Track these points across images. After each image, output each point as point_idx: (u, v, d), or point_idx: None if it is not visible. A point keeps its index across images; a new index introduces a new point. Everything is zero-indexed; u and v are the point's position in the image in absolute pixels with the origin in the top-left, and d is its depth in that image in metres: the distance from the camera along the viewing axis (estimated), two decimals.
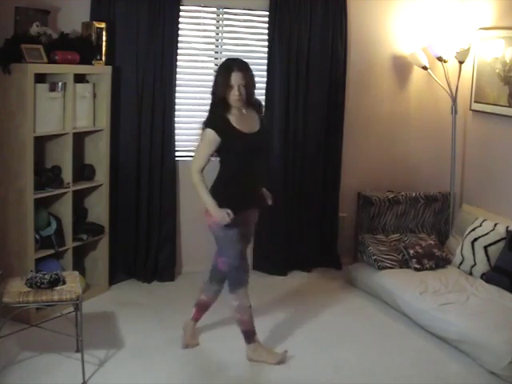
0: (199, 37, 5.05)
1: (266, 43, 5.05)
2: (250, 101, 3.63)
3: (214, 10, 5.01)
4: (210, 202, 3.58)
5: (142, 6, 4.65)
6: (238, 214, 3.57)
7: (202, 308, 3.99)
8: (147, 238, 4.98)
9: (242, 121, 3.59)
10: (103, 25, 4.43)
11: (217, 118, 3.56)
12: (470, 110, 5.35)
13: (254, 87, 3.65)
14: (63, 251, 4.39)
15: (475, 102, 5.26)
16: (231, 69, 3.51)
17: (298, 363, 3.77)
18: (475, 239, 4.74)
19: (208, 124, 3.55)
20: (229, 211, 3.52)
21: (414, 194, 5.40)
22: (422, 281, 4.54)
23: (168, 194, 4.99)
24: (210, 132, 3.53)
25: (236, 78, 3.49)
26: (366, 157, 5.51)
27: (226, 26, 5.08)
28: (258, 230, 5.25)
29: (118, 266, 4.91)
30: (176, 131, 4.97)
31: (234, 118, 3.57)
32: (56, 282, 3.47)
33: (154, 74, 4.76)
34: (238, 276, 3.69)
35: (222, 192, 3.64)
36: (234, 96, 3.51)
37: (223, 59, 5.05)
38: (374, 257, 4.85)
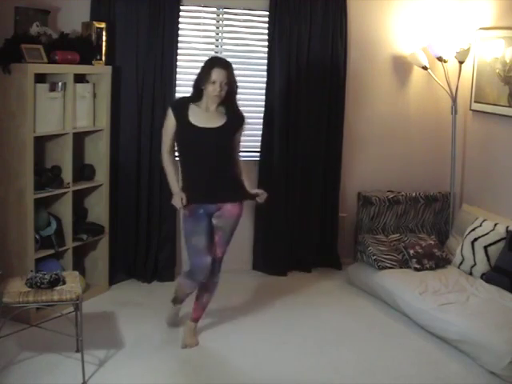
0: (199, 37, 5.04)
1: (266, 43, 5.04)
2: (226, 100, 3.72)
3: (214, 10, 5.01)
4: (171, 184, 3.78)
5: (142, 6, 4.65)
6: (198, 205, 3.72)
7: (200, 307, 4.00)
8: (147, 238, 4.98)
9: (201, 115, 3.70)
10: (103, 25, 4.43)
11: (182, 102, 3.77)
12: (470, 109, 5.35)
13: (233, 88, 3.73)
14: (63, 251, 4.38)
15: (475, 101, 5.26)
16: (214, 65, 3.64)
17: (298, 363, 3.77)
18: (475, 239, 4.74)
19: (171, 103, 3.86)
20: (183, 196, 3.68)
21: (413, 194, 5.40)
22: (422, 281, 4.54)
23: (168, 194, 4.93)
24: (169, 111, 3.74)
25: (219, 75, 3.60)
26: (366, 157, 5.51)
27: (226, 25, 5.07)
28: (258, 230, 5.31)
29: (118, 266, 4.91)
30: None
31: (194, 111, 3.71)
32: (56, 281, 3.47)
33: (154, 74, 4.76)
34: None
35: (182, 179, 3.81)
36: (213, 91, 3.63)
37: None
38: (374, 257, 4.85)
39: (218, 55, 3.85)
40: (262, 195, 3.95)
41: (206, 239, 3.77)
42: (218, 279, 3.94)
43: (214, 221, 3.83)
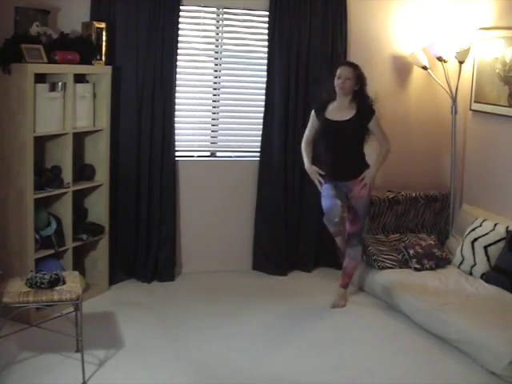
0: (199, 37, 5.05)
1: (266, 43, 5.05)
2: (355, 94, 4.34)
3: (214, 10, 5.01)
4: (305, 162, 4.55)
5: (142, 6, 4.65)
6: (331, 183, 4.41)
7: (344, 274, 4.68)
8: (147, 238, 4.98)
9: (336, 111, 4.38)
10: (103, 25, 4.43)
11: (321, 103, 4.46)
12: (470, 109, 5.35)
13: (359, 84, 4.34)
14: (63, 251, 4.39)
15: (475, 101, 5.26)
16: (340, 64, 4.45)
17: (298, 363, 3.77)
18: (475, 239, 4.74)
19: (314, 107, 4.53)
20: (320, 172, 4.47)
21: (413, 194, 5.40)
22: (422, 281, 4.55)
23: (168, 194, 4.99)
24: (312, 112, 4.51)
25: (343, 71, 4.30)
26: (365, 157, 5.49)
27: (226, 25, 5.07)
28: (258, 230, 5.31)
29: (118, 266, 4.91)
30: (176, 131, 4.97)
31: (330, 108, 4.41)
32: (56, 281, 3.47)
33: (154, 74, 4.76)
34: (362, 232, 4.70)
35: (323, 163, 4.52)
36: (337, 85, 4.31)
37: (223, 59, 5.12)
38: (374, 257, 4.85)
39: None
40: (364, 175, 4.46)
41: (336, 192, 4.33)
42: (356, 253, 4.62)
43: (348, 202, 4.46)
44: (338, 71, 4.31)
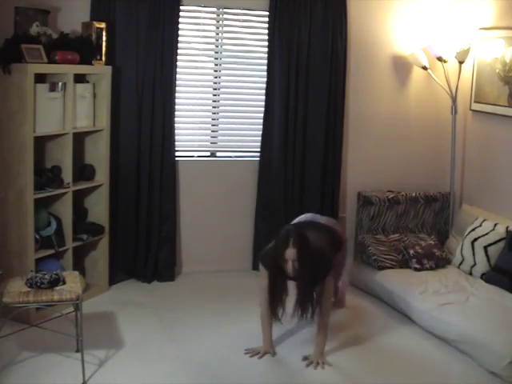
0: (199, 37, 5.05)
1: (266, 43, 5.04)
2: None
3: (214, 10, 5.01)
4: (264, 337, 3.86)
5: (142, 6, 4.65)
6: None
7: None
8: (147, 238, 4.98)
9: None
10: (103, 25, 4.43)
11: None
12: (470, 110, 5.35)
13: (311, 267, 3.61)
14: (63, 251, 4.38)
15: (475, 102, 5.26)
16: (287, 243, 3.55)
17: (298, 363, 3.77)
18: (475, 239, 4.74)
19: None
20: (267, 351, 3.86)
21: (413, 194, 5.40)
22: (422, 281, 4.54)
23: (168, 193, 4.99)
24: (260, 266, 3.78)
25: (289, 254, 3.53)
26: (365, 157, 5.50)
27: (226, 26, 5.07)
28: (258, 230, 5.31)
29: (118, 266, 4.91)
30: (176, 131, 4.97)
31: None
32: (56, 281, 3.47)
33: (154, 74, 4.76)
34: None
35: None
36: (288, 269, 3.58)
37: (223, 59, 5.11)
38: (374, 257, 4.85)
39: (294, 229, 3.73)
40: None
41: None
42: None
43: None
44: (286, 253, 3.52)
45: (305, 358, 3.80)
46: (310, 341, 3.94)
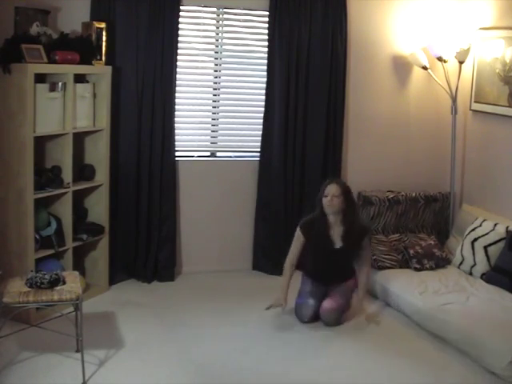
0: (199, 37, 5.05)
1: (266, 43, 5.04)
2: (345, 212, 4.26)
3: (214, 10, 5.01)
4: (281, 290, 4.36)
5: (142, 6, 4.64)
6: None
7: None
8: (147, 238, 4.98)
9: (325, 230, 4.28)
10: (103, 25, 4.43)
11: (307, 221, 4.36)
12: (470, 110, 5.35)
13: (348, 201, 4.26)
14: (63, 251, 4.38)
15: (475, 102, 5.26)
16: (327, 182, 4.31)
17: (298, 363, 3.77)
18: (475, 239, 4.74)
19: (300, 224, 4.39)
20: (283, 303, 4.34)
21: (413, 194, 5.40)
22: (422, 281, 4.55)
23: (168, 193, 4.99)
24: (298, 230, 4.37)
25: (329, 189, 4.23)
26: (365, 157, 5.51)
27: (226, 26, 5.07)
28: (258, 230, 5.31)
29: (118, 266, 4.91)
30: (176, 131, 4.97)
31: (319, 227, 4.29)
32: (56, 281, 3.47)
33: (154, 73, 4.76)
34: None
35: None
36: (325, 202, 4.24)
37: (223, 59, 5.12)
38: (374, 257, 4.85)
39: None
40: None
41: (312, 289, 4.33)
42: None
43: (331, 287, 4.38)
44: (326, 190, 4.25)
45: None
46: (311, 348, 3.94)
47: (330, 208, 4.23)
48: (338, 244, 4.28)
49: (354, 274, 4.45)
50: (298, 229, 4.36)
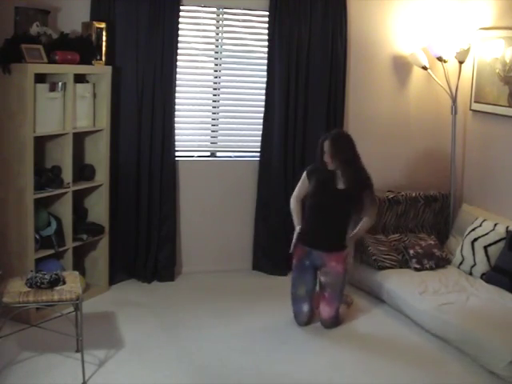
0: (199, 37, 5.05)
1: (266, 43, 5.04)
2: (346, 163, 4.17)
3: (214, 10, 5.01)
4: (295, 224, 4.38)
5: (142, 6, 4.64)
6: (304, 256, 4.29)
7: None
8: (147, 238, 4.98)
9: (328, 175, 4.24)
10: (103, 25, 4.43)
11: (312, 166, 4.39)
12: (470, 110, 5.35)
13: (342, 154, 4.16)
14: (63, 251, 4.38)
15: (475, 102, 5.26)
16: (325, 137, 4.21)
17: (298, 363, 3.77)
18: (475, 239, 4.74)
19: (306, 168, 4.44)
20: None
21: (413, 194, 5.40)
22: (422, 281, 4.55)
23: (168, 193, 4.99)
24: (304, 174, 4.42)
25: (327, 147, 4.15)
26: (365, 157, 5.46)
27: (226, 26, 5.07)
28: (258, 230, 5.31)
29: (118, 266, 4.91)
30: (176, 131, 4.97)
31: (323, 172, 4.25)
32: (56, 281, 3.47)
33: (154, 73, 4.76)
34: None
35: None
36: (325, 159, 4.18)
37: (223, 59, 5.12)
38: (374, 257, 4.85)
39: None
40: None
41: (307, 290, 4.27)
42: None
43: (322, 278, 4.28)
44: (324, 146, 4.16)
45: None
46: (312, 345, 3.95)
47: (330, 165, 4.18)
48: (341, 186, 4.21)
49: (344, 245, 4.26)
50: (304, 174, 4.39)
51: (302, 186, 4.42)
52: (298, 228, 4.31)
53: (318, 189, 4.26)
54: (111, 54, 4.58)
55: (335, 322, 4.28)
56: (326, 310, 4.24)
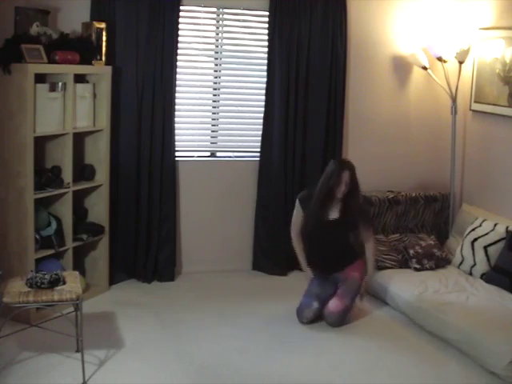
0: (199, 37, 5.05)
1: (266, 43, 5.04)
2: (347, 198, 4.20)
3: (214, 10, 5.01)
4: (301, 263, 4.50)
5: (142, 6, 4.65)
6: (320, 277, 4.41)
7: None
8: (147, 238, 4.98)
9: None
10: (103, 25, 4.43)
11: (305, 193, 4.35)
12: (470, 110, 5.35)
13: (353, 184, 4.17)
14: (63, 251, 4.39)
15: (475, 102, 5.26)
16: (339, 167, 4.18)
17: (298, 363, 3.77)
18: (475, 239, 4.74)
19: (299, 196, 4.39)
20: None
21: (413, 194, 5.40)
22: (422, 281, 4.54)
23: (168, 193, 4.99)
24: (297, 201, 4.36)
25: (345, 176, 4.13)
26: (366, 157, 5.50)
27: (226, 26, 5.07)
28: (258, 230, 5.31)
29: (118, 266, 4.91)
30: (176, 131, 4.97)
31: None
32: (56, 281, 3.47)
33: (154, 74, 4.76)
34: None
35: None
36: (339, 190, 4.15)
37: (223, 59, 5.12)
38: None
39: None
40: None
41: (322, 293, 4.30)
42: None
43: (340, 284, 4.36)
44: (341, 176, 4.12)
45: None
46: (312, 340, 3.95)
47: (341, 193, 4.16)
48: (334, 215, 4.23)
49: (357, 254, 4.40)
50: (297, 201, 4.36)
51: (297, 214, 4.37)
52: (308, 272, 4.40)
53: (310, 221, 4.26)
54: (111, 54, 4.57)
55: (340, 318, 4.24)
56: (334, 303, 4.24)
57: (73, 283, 3.54)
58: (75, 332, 3.58)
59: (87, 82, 4.48)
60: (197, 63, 5.07)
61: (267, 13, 5.00)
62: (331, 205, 4.21)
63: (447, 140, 5.44)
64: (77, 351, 3.66)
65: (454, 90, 5.24)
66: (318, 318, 4.29)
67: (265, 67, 5.08)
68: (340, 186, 4.13)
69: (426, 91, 5.54)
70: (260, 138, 5.17)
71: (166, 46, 4.75)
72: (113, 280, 4.85)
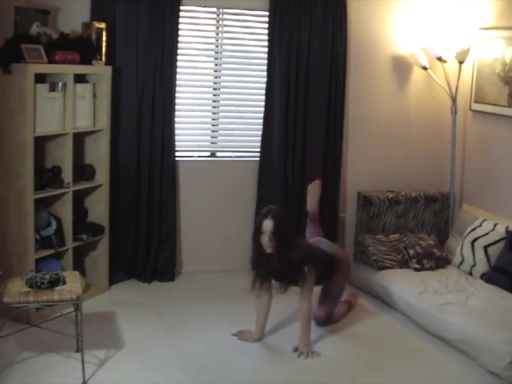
0: (199, 37, 5.05)
1: (266, 43, 5.04)
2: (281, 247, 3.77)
3: (214, 9, 5.01)
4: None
5: (142, 6, 4.65)
6: None
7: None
8: (147, 238, 4.98)
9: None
10: (103, 25, 4.43)
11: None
12: (470, 110, 5.35)
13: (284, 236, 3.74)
14: (63, 251, 4.39)
15: (475, 102, 5.26)
16: (266, 215, 3.76)
17: (298, 363, 3.77)
18: (475, 239, 4.74)
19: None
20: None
21: (413, 194, 5.40)
22: (422, 281, 4.55)
23: (168, 193, 4.99)
24: None
25: (266, 226, 3.72)
26: (365, 157, 5.51)
27: (226, 26, 5.07)
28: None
29: (118, 266, 4.91)
30: (176, 131, 4.97)
31: None
32: (56, 281, 3.47)
33: (154, 74, 4.77)
34: None
35: None
36: (263, 243, 3.76)
37: (223, 59, 5.11)
38: (374, 257, 4.85)
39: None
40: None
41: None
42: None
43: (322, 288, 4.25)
44: (263, 225, 3.71)
45: (295, 350, 3.89)
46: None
47: (269, 248, 3.75)
48: (275, 266, 3.82)
49: (336, 266, 4.14)
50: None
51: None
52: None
53: (259, 278, 3.97)
54: (111, 54, 4.58)
55: (326, 320, 4.23)
56: (316, 311, 4.22)
57: (73, 283, 3.54)
58: (75, 332, 3.58)
59: (87, 81, 4.48)
60: (197, 63, 5.07)
61: (267, 13, 5.00)
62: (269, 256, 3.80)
63: (447, 140, 5.44)
64: (77, 351, 3.66)
65: (453, 90, 5.24)
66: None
67: (265, 67, 5.08)
68: (263, 236, 3.72)
69: (426, 91, 5.54)
70: (260, 138, 5.17)
71: (165, 45, 4.75)
72: (113, 280, 4.85)
